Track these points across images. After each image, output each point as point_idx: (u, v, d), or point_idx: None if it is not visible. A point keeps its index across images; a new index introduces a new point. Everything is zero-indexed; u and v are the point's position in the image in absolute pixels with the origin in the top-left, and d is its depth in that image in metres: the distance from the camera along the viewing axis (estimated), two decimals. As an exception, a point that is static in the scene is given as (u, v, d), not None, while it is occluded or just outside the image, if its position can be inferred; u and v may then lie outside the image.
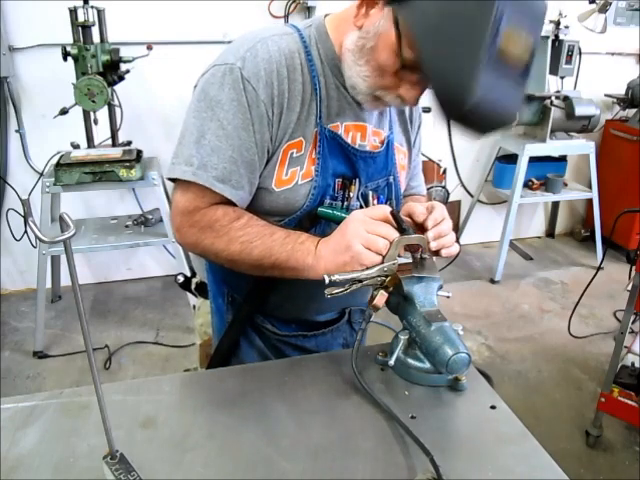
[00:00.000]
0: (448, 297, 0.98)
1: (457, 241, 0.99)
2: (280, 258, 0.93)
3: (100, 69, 2.40)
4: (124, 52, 2.49)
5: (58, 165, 2.40)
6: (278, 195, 0.98)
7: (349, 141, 1.02)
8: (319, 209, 0.99)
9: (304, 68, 0.96)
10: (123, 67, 2.50)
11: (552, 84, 3.41)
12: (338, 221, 0.95)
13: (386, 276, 0.90)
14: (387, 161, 1.10)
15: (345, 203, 1.03)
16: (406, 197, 1.24)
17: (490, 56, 0.77)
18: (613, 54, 3.77)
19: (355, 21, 0.91)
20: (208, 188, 0.93)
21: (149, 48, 2.50)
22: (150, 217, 2.77)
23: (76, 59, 2.37)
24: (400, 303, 0.94)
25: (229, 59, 0.92)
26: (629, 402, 1.99)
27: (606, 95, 3.75)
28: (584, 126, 3.36)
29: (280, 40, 0.94)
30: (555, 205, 4.11)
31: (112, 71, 2.46)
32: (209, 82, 0.93)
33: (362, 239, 0.87)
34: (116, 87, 2.57)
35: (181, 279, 1.26)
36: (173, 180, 0.97)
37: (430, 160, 3.33)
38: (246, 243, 0.93)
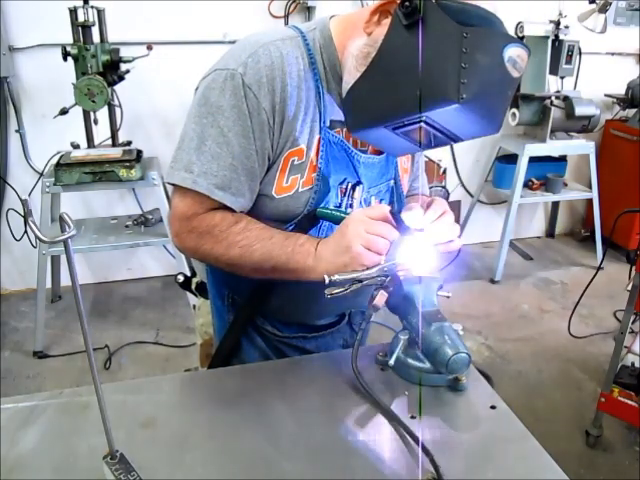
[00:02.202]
0: (448, 297, 0.98)
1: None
2: (280, 261, 0.93)
3: (100, 69, 2.40)
4: (124, 52, 2.49)
5: (58, 165, 2.40)
6: (278, 202, 0.98)
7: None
8: (318, 209, 0.99)
9: (307, 74, 0.94)
10: (123, 67, 2.50)
11: (552, 84, 3.40)
12: (337, 221, 0.95)
13: (386, 276, 0.90)
14: (388, 165, 1.10)
15: (349, 210, 1.03)
16: (408, 197, 1.24)
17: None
18: (613, 54, 3.77)
19: (365, 27, 0.90)
20: (207, 195, 0.92)
21: (149, 48, 2.50)
22: (150, 217, 2.77)
23: (76, 59, 2.37)
24: (400, 303, 0.94)
25: (230, 64, 0.91)
26: (629, 402, 1.99)
27: (606, 95, 3.75)
28: (584, 126, 3.36)
29: (283, 45, 0.93)
30: (555, 205, 4.11)
31: (112, 71, 2.46)
32: (210, 87, 0.92)
33: (362, 239, 0.87)
34: (116, 87, 2.57)
35: (181, 279, 1.26)
36: (172, 184, 0.97)
37: (430, 160, 3.33)
38: (246, 247, 0.93)
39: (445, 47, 0.79)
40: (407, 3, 0.80)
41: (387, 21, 0.86)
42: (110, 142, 2.65)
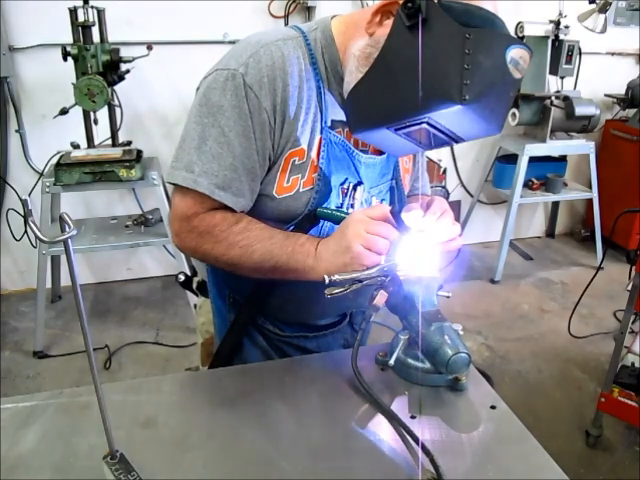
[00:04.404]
0: (448, 297, 0.98)
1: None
2: (280, 261, 0.93)
3: (100, 69, 2.40)
4: (124, 52, 2.49)
5: (58, 165, 2.40)
6: (279, 202, 0.98)
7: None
8: (318, 210, 0.99)
9: (308, 74, 0.94)
10: (123, 67, 2.50)
11: (552, 84, 3.41)
12: (338, 221, 0.95)
13: (386, 276, 0.90)
14: (389, 165, 1.10)
15: (350, 210, 1.03)
16: (410, 197, 1.24)
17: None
18: (613, 54, 3.77)
19: (367, 27, 0.90)
20: (208, 195, 0.92)
21: (149, 48, 2.50)
22: (150, 217, 2.77)
23: (76, 59, 2.37)
24: (400, 303, 0.94)
25: (231, 64, 0.91)
26: (629, 402, 1.99)
27: (606, 95, 3.75)
28: (584, 126, 3.36)
29: (284, 45, 0.93)
30: (555, 205, 4.11)
31: (112, 71, 2.46)
32: (211, 87, 0.92)
33: (362, 239, 0.87)
34: (116, 87, 2.57)
35: (182, 278, 1.26)
36: (173, 183, 0.97)
37: (430, 160, 3.33)
38: (246, 247, 0.93)
39: (447, 48, 0.79)
40: (409, 4, 0.80)
41: (389, 22, 0.86)
42: (110, 142, 2.65)
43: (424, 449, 0.77)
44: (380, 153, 1.06)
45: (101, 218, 2.92)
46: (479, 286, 3.43)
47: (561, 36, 3.17)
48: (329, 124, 0.98)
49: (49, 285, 2.85)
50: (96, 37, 2.42)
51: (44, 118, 2.82)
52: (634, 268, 1.90)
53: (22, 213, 2.83)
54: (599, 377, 2.46)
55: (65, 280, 3.12)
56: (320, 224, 1.01)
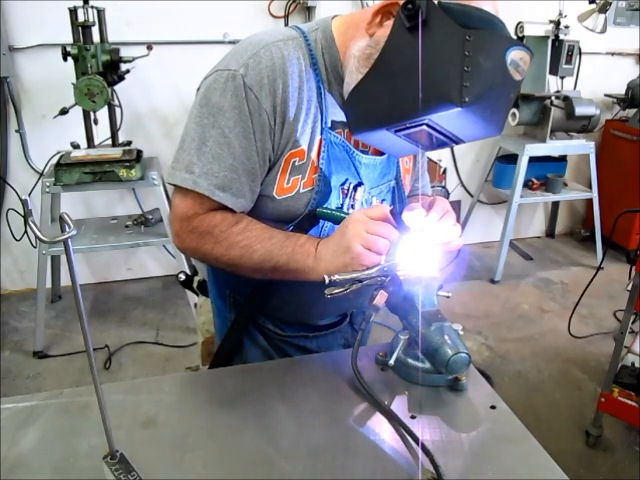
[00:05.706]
0: (448, 297, 0.98)
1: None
2: (280, 261, 0.93)
3: (100, 69, 2.40)
4: (124, 52, 2.49)
5: (58, 165, 2.41)
6: (279, 203, 0.98)
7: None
8: (318, 209, 0.99)
9: (308, 75, 0.94)
10: (123, 67, 2.50)
11: (552, 84, 3.41)
12: (337, 221, 0.95)
13: (386, 276, 0.90)
14: (390, 166, 1.10)
15: (351, 210, 1.03)
16: (410, 197, 1.24)
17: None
18: (613, 54, 3.77)
19: (367, 28, 0.90)
20: (208, 196, 0.92)
21: (149, 48, 2.50)
22: (150, 217, 2.77)
23: (76, 59, 2.37)
24: (400, 303, 0.94)
25: (232, 65, 0.91)
26: (629, 402, 1.99)
27: (606, 95, 3.75)
28: (584, 126, 3.36)
29: (284, 46, 0.93)
30: (555, 205, 4.11)
31: (112, 71, 2.46)
32: (211, 88, 0.92)
33: (362, 240, 0.87)
34: (116, 87, 2.57)
35: (183, 277, 1.26)
36: (173, 184, 0.97)
37: (430, 160, 3.33)
38: (246, 247, 0.93)
39: (448, 50, 0.79)
40: (409, 5, 0.80)
41: (389, 23, 0.86)
42: (110, 142, 2.65)
43: (424, 449, 0.77)
44: (381, 154, 1.06)
45: (101, 218, 2.92)
46: (479, 286, 3.43)
47: (561, 36, 3.17)
48: (329, 125, 0.98)
49: (49, 285, 2.85)
50: (96, 37, 2.42)
51: (44, 118, 2.83)
52: (634, 268, 1.90)
53: (22, 213, 2.83)
54: (599, 377, 2.46)
55: (65, 280, 3.12)
56: (320, 224, 1.01)
